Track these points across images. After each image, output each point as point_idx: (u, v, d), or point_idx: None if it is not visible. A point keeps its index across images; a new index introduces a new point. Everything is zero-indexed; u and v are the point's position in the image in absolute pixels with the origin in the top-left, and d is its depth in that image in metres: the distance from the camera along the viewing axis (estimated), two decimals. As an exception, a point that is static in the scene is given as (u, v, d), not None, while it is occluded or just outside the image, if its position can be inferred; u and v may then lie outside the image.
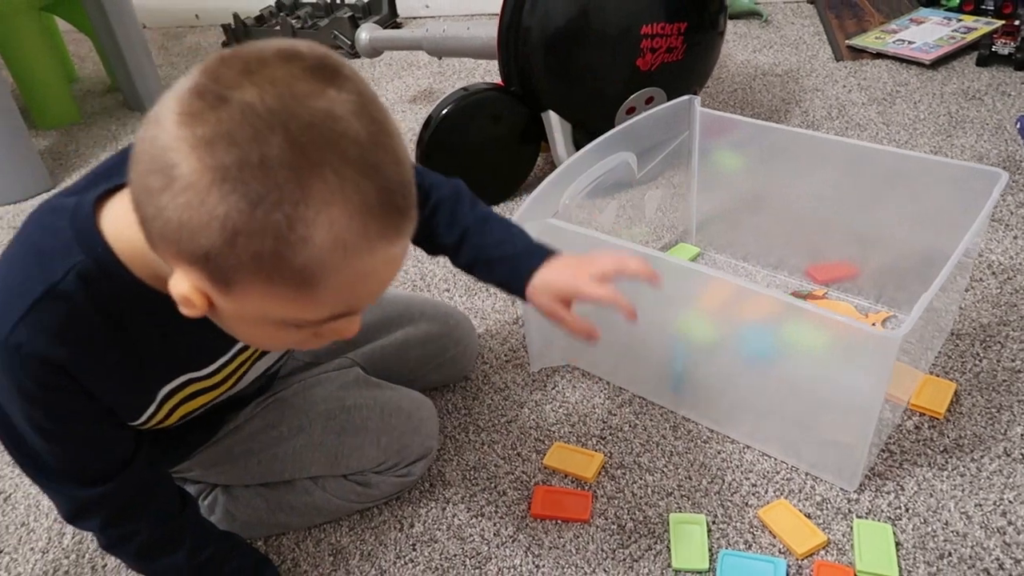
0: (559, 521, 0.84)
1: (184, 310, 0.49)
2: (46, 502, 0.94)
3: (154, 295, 0.56)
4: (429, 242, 0.78)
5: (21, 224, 0.60)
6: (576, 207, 1.01)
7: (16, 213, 1.55)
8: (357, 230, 0.45)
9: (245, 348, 0.70)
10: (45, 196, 1.57)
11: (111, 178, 0.57)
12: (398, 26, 2.26)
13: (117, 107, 1.98)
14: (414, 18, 2.34)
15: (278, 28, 2.18)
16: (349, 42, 2.09)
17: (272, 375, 0.84)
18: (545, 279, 0.73)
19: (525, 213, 0.91)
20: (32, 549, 0.89)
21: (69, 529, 0.90)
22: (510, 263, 0.75)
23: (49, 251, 0.55)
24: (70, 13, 1.92)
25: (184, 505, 0.71)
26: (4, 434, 0.61)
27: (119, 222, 0.55)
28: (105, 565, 0.86)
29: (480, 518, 0.86)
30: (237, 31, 2.22)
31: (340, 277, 0.46)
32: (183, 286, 0.48)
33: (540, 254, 0.74)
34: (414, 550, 0.83)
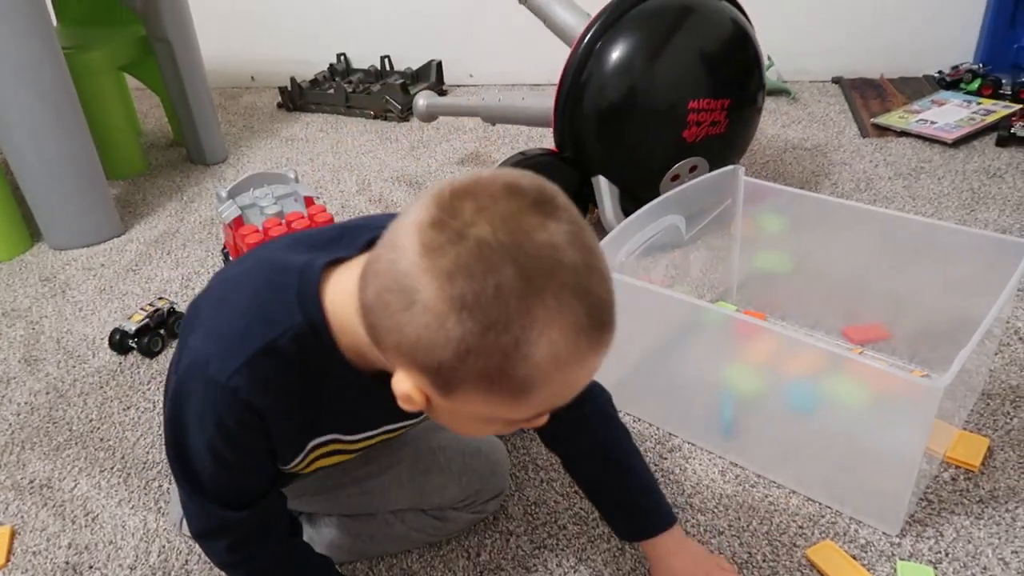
0: (617, 550, 0.90)
1: (403, 404, 0.56)
2: (132, 522, 1.00)
3: (346, 366, 0.63)
4: (555, 441, 0.84)
5: (243, 269, 0.68)
6: (631, 263, 1.10)
7: (90, 256, 1.65)
8: (571, 346, 0.50)
9: (390, 429, 0.77)
10: (116, 241, 1.70)
11: (334, 248, 0.63)
12: (443, 93, 2.40)
13: (180, 160, 2.10)
14: (459, 86, 2.48)
15: (331, 91, 2.32)
16: (399, 107, 2.22)
17: None
18: (676, 572, 0.82)
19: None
20: (120, 565, 0.95)
21: (155, 547, 0.96)
22: (635, 514, 0.83)
23: (274, 307, 0.62)
24: (143, 73, 2.06)
25: (294, 530, 0.77)
26: (175, 452, 0.67)
27: (338, 296, 0.61)
28: (190, 582, 0.92)
29: (542, 550, 0.92)
30: (293, 93, 2.36)
31: (551, 386, 0.52)
32: (406, 385, 0.54)
33: (665, 519, 0.83)
34: (481, 577, 0.89)
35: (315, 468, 0.76)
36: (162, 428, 1.14)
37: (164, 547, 0.96)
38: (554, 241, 0.50)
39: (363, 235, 0.63)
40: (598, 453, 0.83)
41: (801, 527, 0.92)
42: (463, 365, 0.50)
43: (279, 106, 2.42)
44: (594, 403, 0.83)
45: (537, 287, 0.49)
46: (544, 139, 1.97)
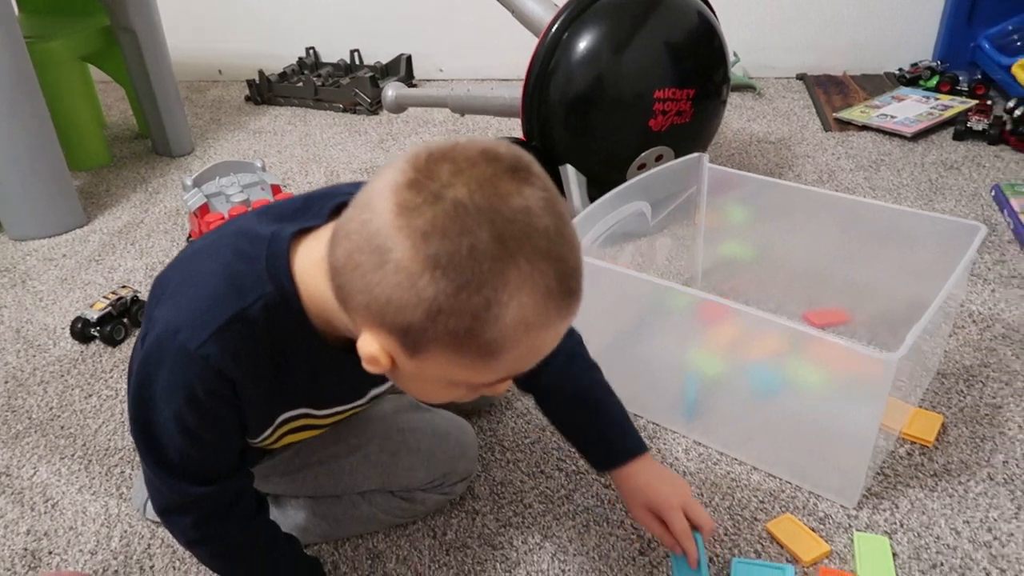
0: (583, 527, 0.91)
1: (368, 366, 0.56)
2: (93, 508, 0.99)
3: (315, 336, 0.63)
4: (526, 381, 0.84)
5: (210, 242, 0.67)
6: (596, 249, 1.11)
7: (51, 246, 1.63)
8: (540, 310, 0.51)
9: (360, 404, 0.78)
10: (79, 231, 1.67)
11: (301, 217, 0.64)
12: (413, 87, 2.40)
13: (145, 152, 2.08)
14: (428, 80, 2.48)
15: (301, 85, 2.31)
16: (369, 100, 2.22)
17: None
18: (641, 488, 0.80)
19: (553, 250, 1.00)
20: (81, 551, 0.94)
21: (117, 532, 0.95)
22: (605, 444, 0.83)
23: (243, 276, 0.62)
24: (108, 64, 2.03)
25: (260, 508, 0.76)
26: (140, 426, 0.66)
27: (307, 266, 0.61)
28: (152, 566, 0.91)
29: (508, 528, 0.92)
30: (261, 86, 2.35)
31: (517, 349, 0.53)
32: (372, 347, 0.54)
33: (633, 447, 0.82)
34: (448, 555, 0.89)
35: (284, 444, 0.75)
36: (125, 415, 1.13)
37: (126, 532, 0.95)
38: (529, 206, 0.50)
39: (329, 202, 0.63)
40: (567, 391, 0.83)
41: (762, 502, 0.93)
42: (433, 325, 0.50)
43: (247, 99, 2.40)
44: (564, 343, 0.83)
45: (511, 250, 0.49)
46: (513, 130, 1.98)
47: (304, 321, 0.63)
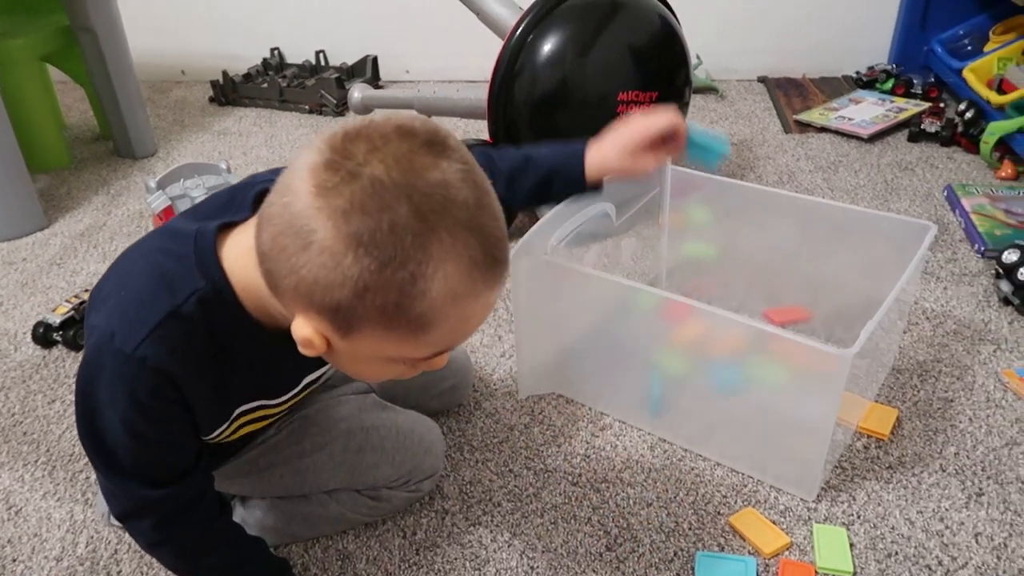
0: (551, 524, 0.92)
1: (303, 350, 0.56)
2: (57, 514, 0.98)
3: (255, 326, 0.64)
4: None
5: (138, 246, 0.68)
6: (562, 250, 1.12)
7: (11, 250, 1.60)
8: (466, 281, 0.52)
9: (310, 384, 0.78)
10: (40, 235, 1.65)
11: (226, 213, 0.64)
12: (380, 88, 2.40)
13: (107, 154, 2.05)
14: (395, 82, 2.48)
15: (266, 86, 2.30)
16: (335, 101, 2.21)
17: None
18: (613, 142, 0.87)
19: (518, 251, 1.01)
20: (46, 557, 0.93)
21: (82, 538, 0.94)
22: (561, 156, 0.90)
23: (173, 274, 0.62)
24: (67, 64, 2.00)
25: (223, 509, 0.76)
26: (87, 433, 0.65)
27: (236, 257, 0.61)
28: (120, 571, 0.90)
29: (477, 526, 0.93)
30: (225, 87, 2.32)
31: (448, 322, 0.54)
32: (306, 330, 0.55)
33: (582, 141, 0.89)
34: (417, 554, 0.90)
35: (241, 435, 0.76)
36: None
37: (92, 538, 0.94)
38: (447, 179, 0.51)
39: (250, 192, 0.64)
40: (507, 171, 0.88)
41: (725, 496, 0.96)
42: (361, 303, 0.51)
43: (211, 100, 2.38)
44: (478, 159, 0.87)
45: (431, 224, 0.50)
46: (480, 131, 1.99)
47: (242, 313, 0.63)
